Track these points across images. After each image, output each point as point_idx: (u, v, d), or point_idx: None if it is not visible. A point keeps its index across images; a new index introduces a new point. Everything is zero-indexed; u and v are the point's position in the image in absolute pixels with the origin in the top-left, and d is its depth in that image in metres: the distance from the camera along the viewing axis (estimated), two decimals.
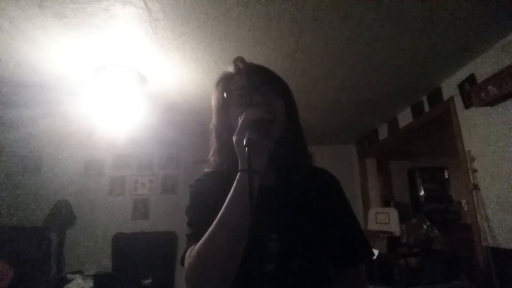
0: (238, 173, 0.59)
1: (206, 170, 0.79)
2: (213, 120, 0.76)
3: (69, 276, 2.95)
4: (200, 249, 0.58)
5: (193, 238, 0.64)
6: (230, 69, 0.75)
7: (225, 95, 0.71)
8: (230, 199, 0.58)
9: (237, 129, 0.59)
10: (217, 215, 0.59)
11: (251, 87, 0.68)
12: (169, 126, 3.08)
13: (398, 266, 2.19)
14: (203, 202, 0.70)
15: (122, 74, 1.96)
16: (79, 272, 3.11)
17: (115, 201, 3.71)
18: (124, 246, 3.36)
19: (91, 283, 2.77)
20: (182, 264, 0.64)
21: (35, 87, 2.15)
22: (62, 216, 3.33)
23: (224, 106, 0.72)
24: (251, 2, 1.39)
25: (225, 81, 0.74)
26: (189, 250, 0.62)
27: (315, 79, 2.15)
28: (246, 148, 0.54)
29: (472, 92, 1.88)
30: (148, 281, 2.97)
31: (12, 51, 1.72)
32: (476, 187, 1.89)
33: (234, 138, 0.59)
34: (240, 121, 0.60)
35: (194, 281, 0.58)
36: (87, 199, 3.61)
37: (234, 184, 0.59)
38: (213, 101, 0.77)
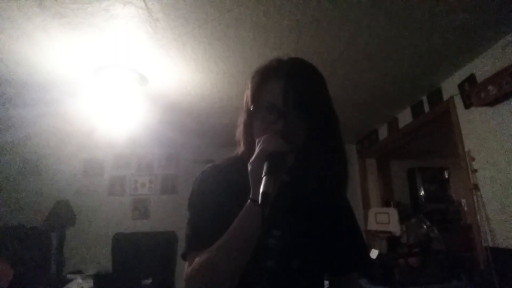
0: (248, 200, 0.59)
1: (215, 163, 0.78)
2: (242, 110, 0.74)
3: (69, 276, 2.95)
4: (203, 266, 0.59)
5: (194, 243, 0.66)
6: (272, 65, 0.70)
7: (252, 106, 0.68)
8: (237, 226, 0.59)
9: (253, 157, 0.58)
10: (220, 216, 0.61)
11: (281, 109, 0.63)
12: (169, 126, 3.08)
13: (398, 266, 2.18)
14: (208, 203, 0.69)
15: (122, 74, 1.96)
16: (79, 272, 3.12)
17: (115, 201, 3.71)
18: (124, 246, 3.36)
19: (91, 283, 2.77)
20: (183, 258, 0.67)
21: (35, 87, 2.15)
22: (62, 216, 3.33)
23: (251, 112, 0.69)
24: (251, 2, 1.39)
25: (261, 82, 0.69)
26: (190, 256, 0.64)
27: None
28: (262, 208, 0.53)
29: (472, 92, 1.88)
30: (148, 281, 2.97)
31: (12, 51, 1.72)
32: (476, 187, 1.89)
33: (249, 167, 0.58)
34: (257, 148, 0.59)
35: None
36: (87, 199, 3.61)
37: (243, 210, 0.59)
38: (246, 94, 0.73)
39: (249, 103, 0.69)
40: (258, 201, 0.52)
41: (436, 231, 2.60)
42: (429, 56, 1.90)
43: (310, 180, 0.70)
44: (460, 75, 2.06)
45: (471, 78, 1.94)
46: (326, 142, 0.69)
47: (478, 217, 1.86)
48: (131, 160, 3.88)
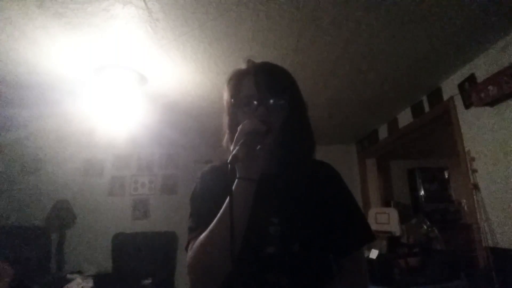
0: (236, 180, 0.63)
1: (212, 164, 0.85)
2: (224, 114, 0.81)
3: (69, 276, 2.95)
4: (199, 245, 0.64)
5: (194, 231, 0.70)
6: (243, 67, 0.79)
7: (232, 100, 0.75)
8: (227, 204, 0.62)
9: (234, 139, 0.63)
10: (217, 209, 0.65)
11: (257, 97, 0.71)
12: (169, 126, 3.08)
13: (398, 266, 2.18)
14: (205, 195, 0.75)
15: (122, 74, 1.96)
16: (79, 272, 3.12)
17: (115, 201, 3.71)
18: (124, 246, 3.35)
19: (91, 283, 2.77)
20: (186, 250, 0.71)
21: (35, 87, 2.15)
22: (62, 216, 3.33)
23: (231, 108, 0.76)
24: (251, 2, 1.39)
25: (236, 82, 0.77)
26: (190, 244, 0.69)
27: (315, 79, 2.15)
28: (229, 165, 0.57)
29: (472, 92, 1.88)
30: (148, 281, 2.97)
31: (12, 51, 1.72)
32: (476, 187, 1.89)
33: (231, 148, 0.63)
34: (237, 131, 0.64)
35: (194, 272, 0.65)
36: (87, 199, 3.61)
37: (233, 189, 0.63)
38: (224, 97, 0.80)
39: (229, 102, 0.77)
40: (244, 178, 0.60)
41: (436, 231, 2.60)
42: (429, 56, 1.90)
43: (296, 166, 0.76)
44: (460, 75, 2.06)
45: (471, 78, 1.94)
46: (301, 122, 0.77)
47: (478, 217, 1.86)
48: (131, 160, 3.87)
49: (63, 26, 1.51)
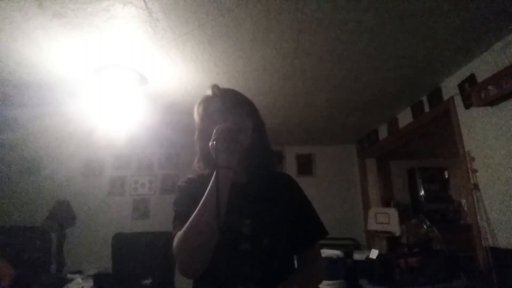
0: (215, 171, 0.73)
1: (189, 176, 0.96)
2: (196, 134, 0.95)
3: (69, 276, 2.95)
4: (184, 230, 0.73)
5: (178, 225, 0.78)
6: (209, 92, 0.94)
7: (203, 114, 0.90)
8: (207, 191, 0.73)
9: (212, 137, 0.74)
10: (194, 209, 0.73)
11: (224, 109, 0.86)
12: (169, 126, 3.08)
13: (398, 266, 2.18)
14: (187, 198, 0.84)
15: (122, 74, 1.96)
16: (79, 272, 3.12)
17: (115, 201, 3.71)
18: (124, 246, 3.35)
19: (91, 283, 2.76)
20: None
21: (35, 87, 2.15)
22: (62, 216, 3.33)
23: (204, 123, 0.90)
24: (251, 2, 1.39)
25: (205, 103, 0.93)
26: (177, 235, 0.76)
27: (315, 79, 2.15)
28: (214, 142, 0.71)
29: (472, 92, 1.88)
30: (148, 281, 2.97)
31: (12, 51, 1.72)
32: (476, 187, 1.89)
33: (209, 144, 0.74)
34: (213, 133, 0.75)
35: (179, 257, 0.73)
36: (87, 199, 3.61)
37: (212, 179, 0.74)
38: (196, 118, 0.95)
39: (201, 115, 0.91)
40: (224, 167, 0.70)
41: (436, 231, 2.60)
42: (429, 56, 1.90)
43: (263, 176, 0.89)
44: (460, 75, 2.06)
45: (471, 78, 1.94)
46: (263, 139, 0.92)
47: (478, 217, 1.86)
48: (131, 160, 3.88)
49: (63, 26, 1.51)
